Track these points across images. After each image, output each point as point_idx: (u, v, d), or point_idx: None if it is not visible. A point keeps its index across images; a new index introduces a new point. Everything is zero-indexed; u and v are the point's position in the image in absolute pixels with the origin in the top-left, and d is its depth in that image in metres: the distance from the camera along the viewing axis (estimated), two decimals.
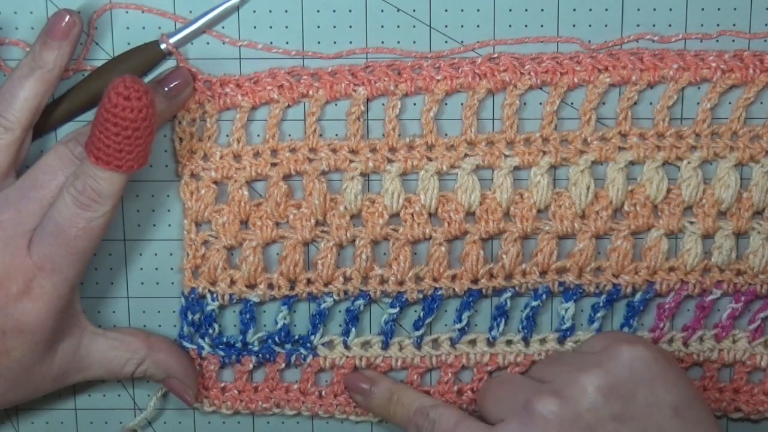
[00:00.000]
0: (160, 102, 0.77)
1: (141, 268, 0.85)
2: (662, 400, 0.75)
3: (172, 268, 0.85)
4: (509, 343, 0.86)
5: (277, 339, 0.85)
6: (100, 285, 0.85)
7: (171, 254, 0.84)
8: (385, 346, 0.85)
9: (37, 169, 0.76)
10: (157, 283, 0.85)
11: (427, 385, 0.87)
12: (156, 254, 0.84)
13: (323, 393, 0.87)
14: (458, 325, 0.85)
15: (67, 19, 0.76)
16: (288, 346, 0.85)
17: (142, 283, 0.85)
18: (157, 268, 0.85)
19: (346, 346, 0.86)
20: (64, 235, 0.75)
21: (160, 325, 0.86)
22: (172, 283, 0.85)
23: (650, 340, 0.85)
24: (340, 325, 0.86)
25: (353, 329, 0.85)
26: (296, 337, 0.85)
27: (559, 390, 0.75)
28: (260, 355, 0.85)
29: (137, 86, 0.69)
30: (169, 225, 0.84)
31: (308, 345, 0.85)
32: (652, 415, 0.74)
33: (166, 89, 0.78)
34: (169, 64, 0.80)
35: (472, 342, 0.86)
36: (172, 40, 0.79)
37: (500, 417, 0.77)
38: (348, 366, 0.85)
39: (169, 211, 0.84)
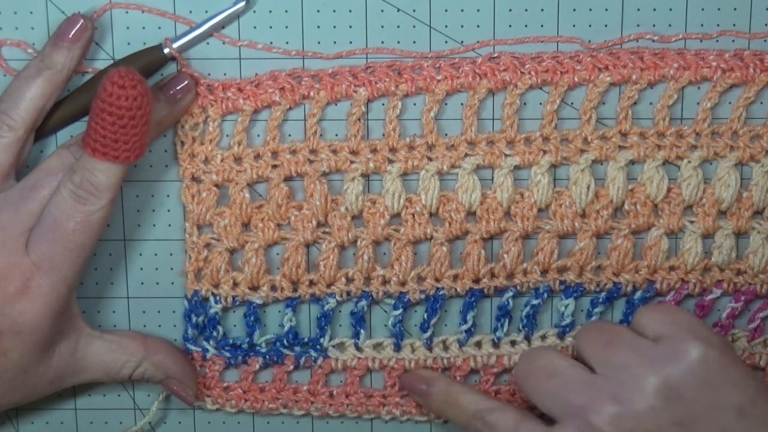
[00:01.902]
0: (162, 107, 0.77)
1: (141, 268, 0.85)
2: (726, 401, 0.73)
3: (172, 269, 0.85)
4: (513, 343, 0.86)
5: (285, 341, 0.85)
6: (100, 285, 0.85)
7: (171, 254, 0.84)
8: (397, 347, 0.86)
9: (38, 171, 0.77)
10: (157, 284, 0.85)
11: None
12: (156, 254, 0.84)
13: (334, 393, 0.87)
14: (464, 327, 0.85)
15: (80, 24, 0.76)
16: (297, 348, 0.86)
17: (142, 284, 0.85)
18: (157, 268, 0.85)
19: (358, 348, 0.86)
20: (62, 230, 0.75)
21: (160, 326, 0.86)
22: (172, 284, 0.85)
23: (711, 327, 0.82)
24: (340, 325, 0.86)
25: (362, 331, 0.85)
26: (306, 339, 0.86)
27: (616, 393, 0.73)
28: (268, 356, 0.86)
29: (132, 75, 0.70)
30: (169, 225, 0.84)
31: (318, 347, 0.86)
32: (716, 418, 0.72)
33: (168, 94, 0.78)
34: (172, 67, 0.80)
35: (478, 344, 0.86)
36: (175, 45, 0.79)
37: (552, 413, 0.75)
38: (360, 367, 0.86)
39: (169, 211, 0.83)
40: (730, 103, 0.82)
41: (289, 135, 0.82)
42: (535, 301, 0.84)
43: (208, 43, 0.80)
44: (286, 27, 0.80)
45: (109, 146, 0.72)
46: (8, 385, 0.78)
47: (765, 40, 0.81)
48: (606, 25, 0.81)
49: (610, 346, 0.76)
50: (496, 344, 0.86)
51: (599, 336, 0.77)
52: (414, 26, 0.80)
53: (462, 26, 0.80)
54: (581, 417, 0.73)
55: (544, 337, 0.86)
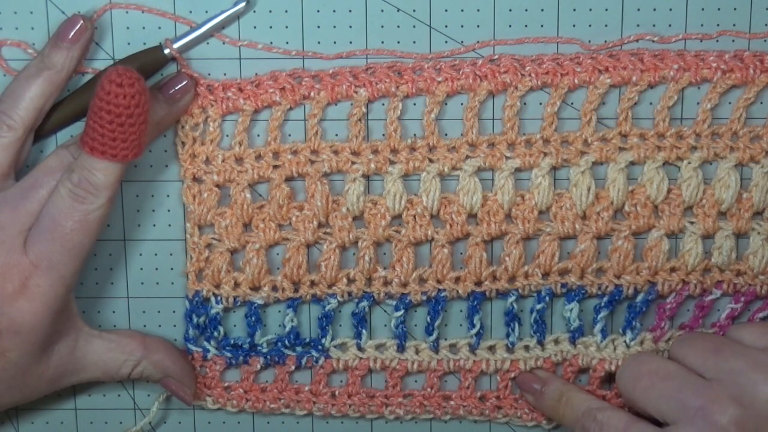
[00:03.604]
0: (161, 107, 0.77)
1: (141, 268, 0.85)
2: None
3: (172, 269, 0.85)
4: (527, 348, 0.86)
5: (287, 342, 0.85)
6: (100, 285, 0.85)
7: (171, 254, 0.84)
8: (401, 349, 0.86)
9: (37, 171, 0.77)
10: (157, 284, 0.85)
11: (445, 390, 0.87)
12: (156, 254, 0.84)
13: (336, 393, 0.87)
14: (473, 331, 0.85)
15: (80, 24, 0.76)
16: (299, 348, 0.86)
17: (142, 283, 0.85)
18: (157, 268, 0.85)
19: (360, 349, 0.86)
20: (60, 229, 0.75)
21: (160, 325, 0.86)
22: (172, 284, 0.85)
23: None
24: (340, 326, 0.86)
25: (364, 331, 0.85)
26: (307, 339, 0.86)
27: (737, 396, 0.76)
28: (269, 357, 0.86)
29: (129, 74, 0.71)
30: (170, 225, 0.84)
31: (320, 347, 0.86)
32: None
33: (167, 94, 0.78)
34: (172, 68, 0.80)
35: (492, 348, 0.86)
36: (175, 46, 0.79)
37: (667, 417, 0.77)
38: (362, 367, 0.86)
39: (169, 211, 0.83)
40: (730, 103, 0.82)
41: (290, 135, 0.82)
42: (539, 306, 0.84)
43: (208, 43, 0.80)
44: (286, 27, 0.80)
45: (107, 145, 0.73)
46: (7, 384, 0.78)
47: (765, 40, 0.81)
48: (606, 25, 0.81)
49: (719, 353, 0.79)
50: (509, 349, 0.86)
51: (705, 344, 0.80)
52: (414, 26, 0.80)
53: (462, 26, 0.80)
54: (704, 418, 0.75)
55: (557, 342, 0.86)
